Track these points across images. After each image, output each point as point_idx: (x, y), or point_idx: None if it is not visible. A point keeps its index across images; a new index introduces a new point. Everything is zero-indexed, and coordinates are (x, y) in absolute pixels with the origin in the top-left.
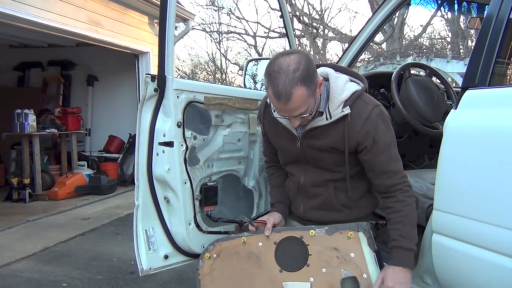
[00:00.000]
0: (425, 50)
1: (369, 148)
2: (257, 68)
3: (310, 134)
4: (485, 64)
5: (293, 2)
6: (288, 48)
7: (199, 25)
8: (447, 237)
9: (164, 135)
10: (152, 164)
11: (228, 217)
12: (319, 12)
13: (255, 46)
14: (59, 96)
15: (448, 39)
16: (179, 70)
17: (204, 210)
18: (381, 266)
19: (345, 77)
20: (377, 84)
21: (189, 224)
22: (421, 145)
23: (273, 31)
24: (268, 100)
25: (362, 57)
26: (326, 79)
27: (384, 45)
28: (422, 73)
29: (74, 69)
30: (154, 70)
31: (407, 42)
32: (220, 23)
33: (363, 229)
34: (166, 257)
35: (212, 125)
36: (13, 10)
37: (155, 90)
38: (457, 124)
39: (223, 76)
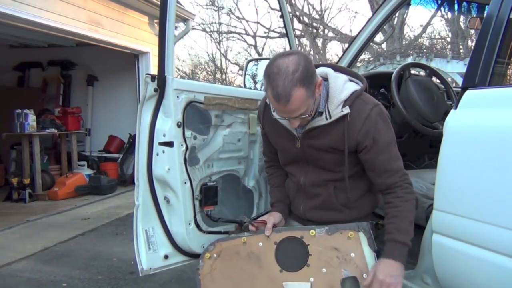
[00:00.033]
0: (425, 50)
1: (369, 148)
2: (257, 68)
3: (310, 134)
4: (485, 64)
5: (293, 2)
6: (288, 48)
7: (199, 25)
8: (447, 237)
9: (164, 135)
10: (152, 164)
11: (228, 217)
12: (319, 12)
13: (255, 46)
14: (59, 96)
15: (448, 39)
16: (179, 70)
17: (204, 210)
18: None
19: (344, 77)
20: (377, 84)
21: (189, 224)
22: (421, 145)
23: (273, 31)
24: (267, 101)
25: (362, 57)
26: (326, 79)
27: (384, 45)
28: (422, 73)
29: (74, 69)
30: (154, 70)
31: (407, 42)
32: (220, 23)
33: (364, 229)
34: (166, 257)
35: (212, 125)
36: (13, 10)
37: (155, 90)
38: (457, 124)
39: (223, 76)
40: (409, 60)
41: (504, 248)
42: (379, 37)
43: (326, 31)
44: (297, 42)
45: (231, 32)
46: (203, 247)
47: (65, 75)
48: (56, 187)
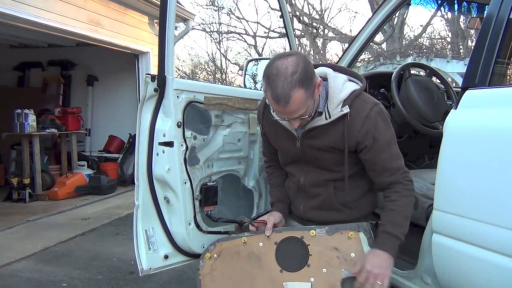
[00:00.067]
0: (425, 50)
1: (369, 147)
2: (257, 68)
3: (309, 134)
4: (485, 64)
5: (293, 2)
6: (288, 48)
7: (199, 25)
8: (447, 237)
9: (164, 135)
10: (152, 164)
11: (228, 217)
12: (319, 12)
13: (255, 46)
14: (59, 96)
15: (448, 39)
16: (179, 70)
17: (204, 210)
18: None
19: (343, 77)
20: (377, 84)
21: (189, 224)
22: (421, 145)
23: (273, 31)
24: (267, 101)
25: (362, 57)
26: (325, 78)
27: (384, 45)
28: (422, 73)
29: (74, 69)
30: (154, 70)
31: (407, 42)
32: (220, 23)
33: (364, 229)
34: (166, 257)
35: (212, 125)
36: (13, 10)
37: (155, 90)
38: (457, 124)
39: (223, 76)
40: (409, 60)
41: (504, 248)
42: (379, 37)
43: (326, 31)
44: (297, 42)
45: (231, 32)
46: (203, 247)
47: (65, 75)
48: (56, 187)
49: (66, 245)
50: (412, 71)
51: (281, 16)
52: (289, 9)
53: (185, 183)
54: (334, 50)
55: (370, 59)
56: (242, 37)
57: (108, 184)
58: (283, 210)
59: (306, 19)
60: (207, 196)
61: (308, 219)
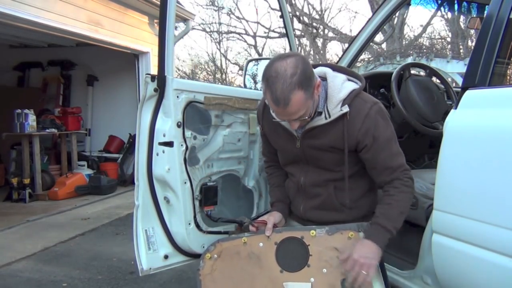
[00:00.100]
0: (425, 50)
1: (369, 146)
2: (257, 68)
3: (309, 134)
4: (485, 64)
5: (293, 2)
6: (288, 48)
7: (199, 25)
8: (447, 237)
9: (164, 135)
10: (152, 164)
11: (228, 217)
12: (319, 12)
13: (255, 46)
14: (59, 96)
15: (448, 39)
16: (179, 70)
17: (204, 210)
18: (381, 266)
19: (342, 76)
20: (377, 84)
21: (189, 224)
22: (421, 145)
23: (273, 31)
24: (266, 101)
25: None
26: (324, 78)
27: (384, 45)
28: (422, 73)
29: (74, 69)
30: (154, 70)
31: (407, 42)
32: (220, 23)
33: (364, 229)
34: (166, 257)
35: (212, 125)
36: (13, 10)
37: (155, 90)
38: (457, 124)
39: (223, 76)
40: (409, 60)
41: (504, 248)
42: (379, 37)
43: (326, 31)
44: (297, 42)
45: (231, 32)
46: (203, 247)
47: (65, 75)
48: (56, 187)
49: (66, 245)
50: (412, 71)
51: (281, 16)
52: (289, 9)
53: (185, 183)
54: (334, 50)
55: (370, 59)
56: (242, 37)
57: (108, 184)
58: (283, 210)
59: (306, 19)
60: (207, 196)
61: (308, 219)
